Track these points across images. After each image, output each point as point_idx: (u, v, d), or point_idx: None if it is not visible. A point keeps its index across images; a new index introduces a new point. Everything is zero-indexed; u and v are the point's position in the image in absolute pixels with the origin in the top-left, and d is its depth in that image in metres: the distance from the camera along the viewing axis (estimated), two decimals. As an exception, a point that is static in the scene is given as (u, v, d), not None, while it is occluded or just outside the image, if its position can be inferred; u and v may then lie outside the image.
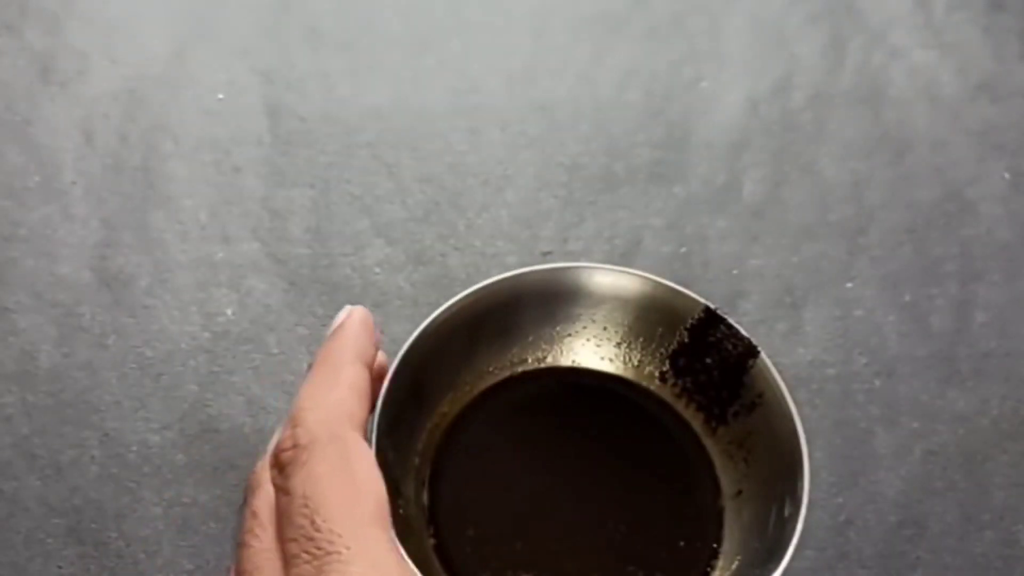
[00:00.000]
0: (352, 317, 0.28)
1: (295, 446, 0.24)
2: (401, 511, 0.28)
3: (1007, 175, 0.51)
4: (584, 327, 0.33)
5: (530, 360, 0.34)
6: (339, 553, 0.21)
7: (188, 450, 0.41)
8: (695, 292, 0.31)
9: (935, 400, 0.44)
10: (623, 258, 0.47)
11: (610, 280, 0.32)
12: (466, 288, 0.31)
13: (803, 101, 0.53)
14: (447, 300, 0.31)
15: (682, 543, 0.30)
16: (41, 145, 0.49)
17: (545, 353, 0.34)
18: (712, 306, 0.31)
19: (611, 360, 0.34)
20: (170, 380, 0.43)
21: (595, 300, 0.33)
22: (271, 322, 0.45)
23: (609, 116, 0.52)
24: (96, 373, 0.43)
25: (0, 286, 0.45)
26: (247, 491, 0.25)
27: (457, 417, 0.32)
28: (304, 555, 0.22)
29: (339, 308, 0.44)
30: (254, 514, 0.24)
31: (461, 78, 0.53)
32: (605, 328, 0.33)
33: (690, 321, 0.32)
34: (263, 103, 0.51)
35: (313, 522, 0.22)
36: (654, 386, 0.33)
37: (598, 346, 0.34)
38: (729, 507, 0.31)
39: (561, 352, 0.34)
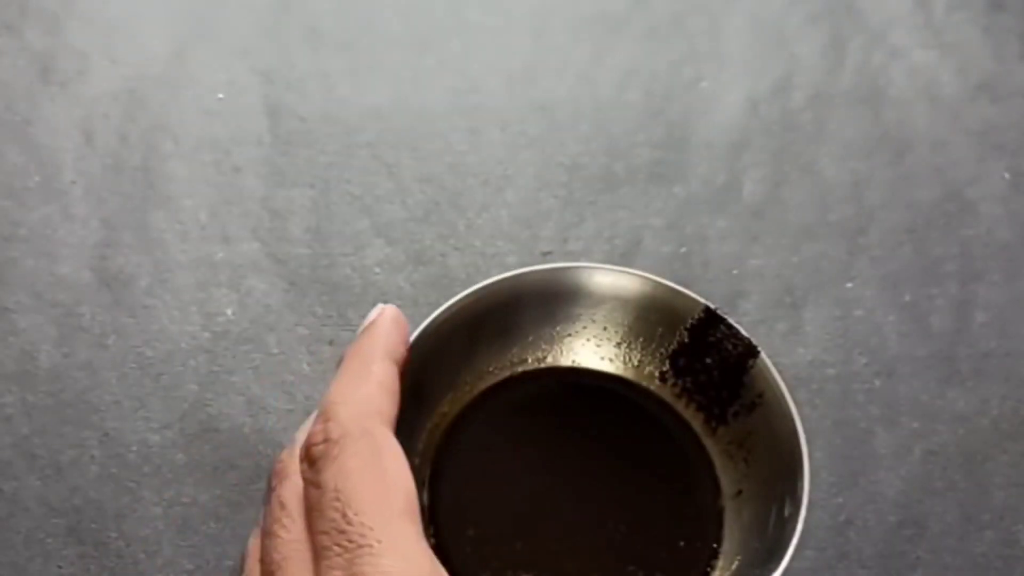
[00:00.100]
0: (384, 315, 0.28)
1: (326, 440, 0.24)
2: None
3: (1007, 175, 0.51)
4: (584, 327, 0.33)
5: (530, 360, 0.34)
6: (371, 546, 0.22)
7: (188, 450, 0.41)
8: (695, 292, 0.31)
9: (935, 400, 0.44)
10: (623, 258, 0.47)
11: (610, 280, 0.32)
12: (466, 288, 0.31)
13: (803, 101, 0.53)
14: (447, 300, 0.31)
15: (682, 543, 0.30)
16: (41, 145, 0.49)
17: (545, 353, 0.34)
18: (712, 306, 0.31)
19: (611, 360, 0.34)
20: (170, 380, 0.43)
21: (595, 300, 0.33)
22: (271, 322, 0.45)
23: (609, 116, 0.52)
24: (96, 373, 0.43)
25: (0, 286, 0.45)
26: (273, 480, 0.25)
27: (457, 417, 0.32)
28: (336, 548, 0.22)
29: (339, 308, 0.45)
30: (282, 504, 0.24)
31: (461, 78, 0.53)
32: (605, 328, 0.33)
33: (690, 321, 0.32)
34: (263, 103, 0.51)
35: (345, 515, 0.22)
36: (654, 386, 0.33)
37: (598, 346, 0.34)
38: (729, 507, 0.31)
39: (561, 352, 0.34)
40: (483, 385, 0.33)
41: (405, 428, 0.30)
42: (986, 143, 0.52)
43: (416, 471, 0.30)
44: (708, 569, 0.30)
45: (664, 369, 0.33)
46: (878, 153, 0.51)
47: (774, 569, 0.26)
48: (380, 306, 0.28)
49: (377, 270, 0.46)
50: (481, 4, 0.56)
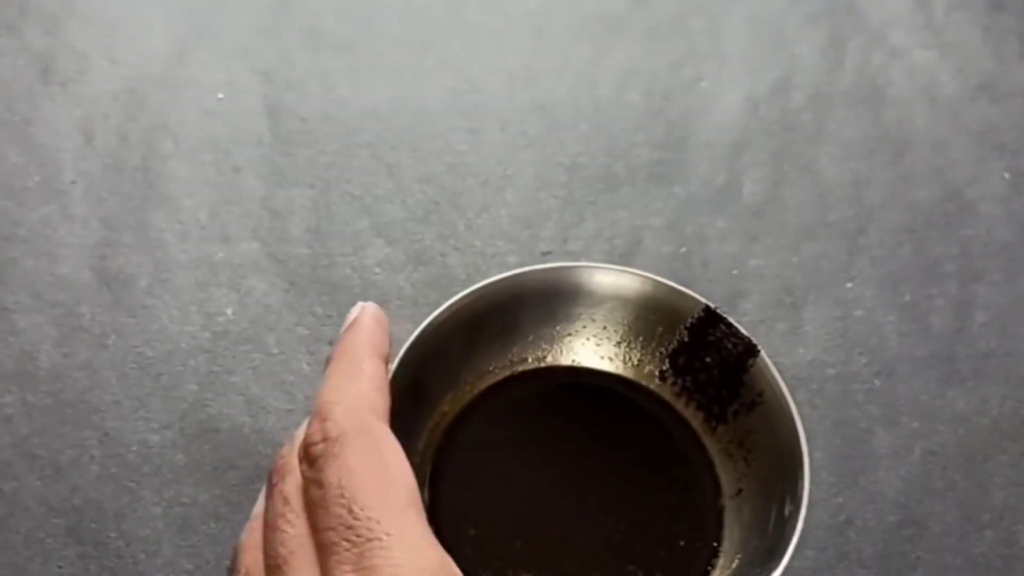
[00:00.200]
0: (365, 313, 0.28)
1: (325, 439, 0.24)
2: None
3: (1007, 175, 0.51)
4: (584, 326, 0.33)
5: (530, 359, 0.34)
6: (380, 539, 0.22)
7: (188, 450, 0.41)
8: (695, 292, 0.31)
9: (935, 400, 0.44)
10: (623, 258, 0.47)
11: (610, 280, 0.32)
12: (466, 288, 0.31)
13: (803, 101, 0.53)
14: (447, 300, 0.31)
15: (682, 542, 0.30)
16: (41, 145, 0.49)
17: (545, 352, 0.34)
18: (712, 305, 0.31)
19: (611, 359, 0.34)
20: (170, 380, 0.43)
21: (595, 300, 0.33)
22: (271, 322, 0.45)
23: (609, 116, 0.52)
24: (96, 373, 0.43)
25: (0, 286, 0.45)
26: (274, 476, 0.25)
27: (457, 416, 0.32)
28: (344, 543, 0.22)
29: (339, 308, 0.45)
30: (286, 500, 0.24)
31: (461, 78, 0.53)
32: (605, 327, 0.33)
33: (690, 320, 0.32)
34: (263, 103, 0.51)
35: (351, 511, 0.22)
36: (654, 385, 0.33)
37: (598, 345, 0.34)
38: (729, 506, 0.31)
39: (561, 351, 0.34)
40: (483, 384, 0.33)
41: (405, 427, 0.30)
42: (986, 143, 0.52)
43: (416, 470, 0.30)
44: (708, 568, 0.30)
45: (664, 368, 0.33)
46: (878, 153, 0.51)
47: (774, 568, 0.26)
48: (360, 304, 0.28)
49: (377, 270, 0.46)
50: (481, 4, 0.56)
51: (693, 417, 0.33)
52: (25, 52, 0.52)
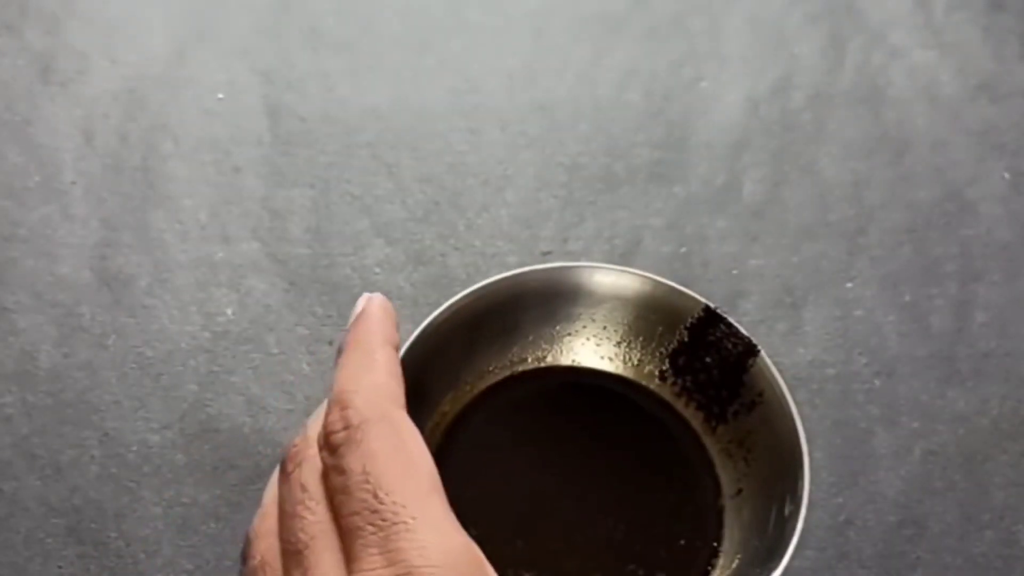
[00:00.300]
0: (373, 303, 0.28)
1: (347, 427, 0.24)
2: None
3: (1007, 175, 0.51)
4: (584, 326, 0.33)
5: (530, 359, 0.34)
6: (405, 523, 0.22)
7: (188, 450, 0.41)
8: (695, 292, 0.31)
9: (935, 400, 0.44)
10: (623, 258, 0.47)
11: (610, 280, 0.32)
12: (466, 288, 0.31)
13: (803, 101, 0.53)
14: (447, 300, 0.31)
15: (682, 542, 0.30)
16: (41, 145, 0.49)
17: (545, 352, 0.34)
18: (712, 305, 0.31)
19: (611, 359, 0.34)
20: (170, 380, 0.43)
21: (595, 300, 0.33)
22: (271, 322, 0.45)
23: (609, 116, 0.52)
24: (96, 373, 0.43)
25: (0, 286, 0.45)
26: (288, 464, 0.25)
27: (457, 416, 0.32)
28: (369, 527, 0.22)
29: (339, 308, 0.45)
30: (303, 487, 0.24)
31: (461, 78, 0.53)
32: (605, 327, 0.33)
33: (690, 320, 0.32)
34: (263, 103, 0.51)
35: (376, 495, 0.22)
36: (654, 385, 0.33)
37: (598, 345, 0.34)
38: (729, 506, 0.31)
39: (561, 351, 0.34)
40: (483, 384, 0.33)
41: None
42: (986, 143, 0.52)
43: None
44: (708, 568, 0.30)
45: (664, 368, 0.33)
46: (878, 153, 0.51)
47: (774, 568, 0.26)
48: (366, 295, 0.28)
49: (377, 270, 0.46)
50: (481, 4, 0.56)
51: (693, 417, 0.33)
52: (25, 52, 0.52)
